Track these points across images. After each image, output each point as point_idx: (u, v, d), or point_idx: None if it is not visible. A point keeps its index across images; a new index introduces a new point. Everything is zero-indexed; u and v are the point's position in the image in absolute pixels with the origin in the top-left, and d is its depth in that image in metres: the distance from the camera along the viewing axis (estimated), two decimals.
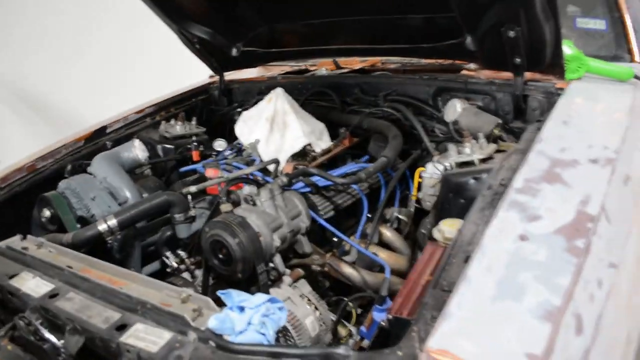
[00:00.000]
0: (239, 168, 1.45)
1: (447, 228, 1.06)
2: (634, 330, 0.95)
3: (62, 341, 0.92)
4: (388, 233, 1.45)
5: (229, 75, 2.18)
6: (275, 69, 2.20)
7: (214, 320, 0.86)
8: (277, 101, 1.57)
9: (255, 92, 2.06)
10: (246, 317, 0.87)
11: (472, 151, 1.27)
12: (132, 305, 0.93)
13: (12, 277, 1.08)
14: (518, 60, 1.40)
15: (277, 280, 1.25)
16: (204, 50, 1.99)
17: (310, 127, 1.59)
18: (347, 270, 1.31)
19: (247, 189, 1.28)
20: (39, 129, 2.37)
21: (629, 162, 1.10)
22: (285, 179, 1.27)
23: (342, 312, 1.25)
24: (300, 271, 1.29)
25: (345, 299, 1.27)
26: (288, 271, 1.29)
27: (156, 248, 1.58)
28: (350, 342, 1.17)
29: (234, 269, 1.15)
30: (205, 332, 0.85)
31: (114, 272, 1.06)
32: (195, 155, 1.81)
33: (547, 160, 1.04)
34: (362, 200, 1.41)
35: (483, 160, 1.24)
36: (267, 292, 1.17)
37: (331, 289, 1.40)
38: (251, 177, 1.37)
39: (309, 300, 1.24)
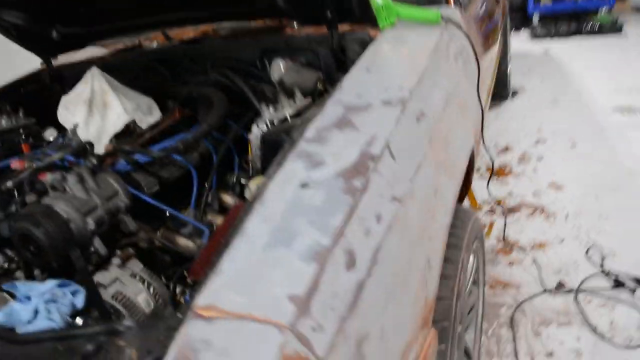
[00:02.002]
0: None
1: (254, 186, 1.05)
2: (435, 256, 1.01)
3: None
4: (227, 198, 1.44)
5: (63, 60, 2.03)
6: (111, 48, 2.08)
7: (3, 313, 0.80)
8: (94, 81, 1.48)
9: None
10: (32, 306, 0.82)
11: (285, 108, 1.27)
12: None
13: None
14: (329, 14, 1.41)
15: (104, 263, 1.19)
16: (22, 37, 1.83)
17: (134, 103, 1.51)
18: (181, 241, 1.28)
19: (49, 177, 1.20)
20: None
21: (425, 100, 1.15)
22: (95, 161, 1.20)
23: (175, 284, 1.22)
24: (130, 251, 1.24)
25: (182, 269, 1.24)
26: (119, 252, 1.24)
27: None
28: None
29: (47, 259, 1.08)
30: None
31: None
32: (25, 148, 1.68)
33: (341, 107, 1.06)
34: (191, 170, 1.37)
35: (296, 116, 1.24)
36: (89, 277, 1.11)
37: (176, 263, 1.37)
38: (66, 163, 1.28)
39: (141, 278, 1.20)
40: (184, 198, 1.42)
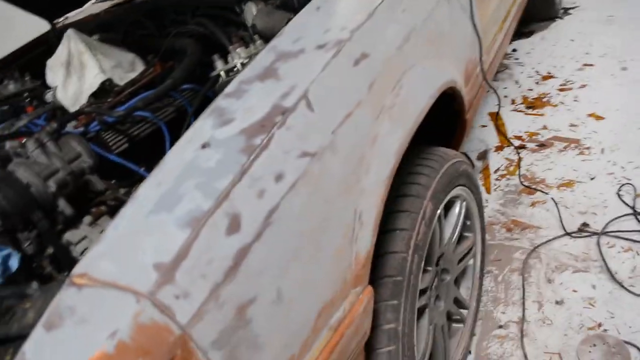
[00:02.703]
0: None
1: None
2: (370, 210, 0.96)
3: None
4: None
5: (69, 19, 2.07)
6: (107, 4, 2.09)
7: None
8: (71, 43, 1.49)
9: (88, 34, 1.96)
10: None
11: (238, 56, 1.22)
12: None
13: None
14: None
15: (72, 223, 1.24)
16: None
17: (115, 61, 1.52)
18: None
19: (9, 144, 1.25)
20: None
21: (371, 39, 1.06)
22: (54, 125, 1.23)
23: None
24: (101, 209, 1.28)
25: None
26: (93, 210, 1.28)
27: None
28: None
29: (12, 222, 1.14)
30: None
31: None
32: (29, 110, 1.76)
33: (273, 54, 1.00)
34: (162, 127, 1.37)
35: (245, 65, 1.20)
36: (53, 237, 1.16)
37: None
38: (32, 128, 1.33)
39: None
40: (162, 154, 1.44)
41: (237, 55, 1.31)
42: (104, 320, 0.63)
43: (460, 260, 1.46)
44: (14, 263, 0.91)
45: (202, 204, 0.73)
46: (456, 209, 1.38)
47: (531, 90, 2.76)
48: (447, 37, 1.35)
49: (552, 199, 1.99)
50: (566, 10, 3.50)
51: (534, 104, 2.63)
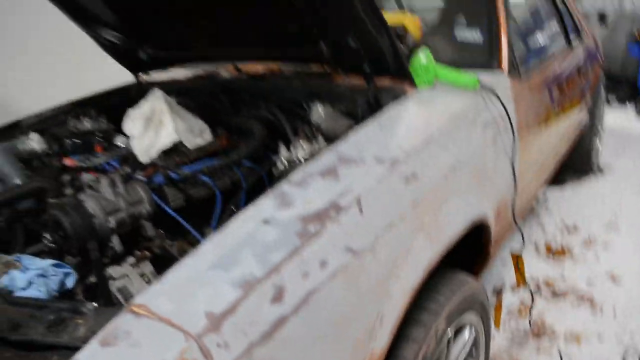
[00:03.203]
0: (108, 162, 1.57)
1: None
2: (390, 313, 1.05)
3: None
4: None
5: (154, 77, 2.31)
6: (190, 73, 2.33)
7: (4, 279, 0.98)
8: (155, 101, 1.70)
9: (167, 94, 2.18)
10: (27, 276, 0.98)
11: (302, 149, 1.38)
12: None
13: None
14: (366, 67, 1.52)
15: (119, 260, 1.35)
16: (117, 53, 2.12)
17: (187, 125, 1.70)
18: None
19: (86, 177, 1.40)
20: None
21: (422, 162, 1.21)
22: (128, 170, 1.39)
23: None
24: (145, 253, 1.40)
25: None
26: (138, 253, 1.40)
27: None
28: None
29: (70, 245, 1.26)
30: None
31: None
32: (98, 149, 1.94)
33: (336, 157, 1.15)
34: (216, 192, 1.52)
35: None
36: (100, 267, 1.27)
37: None
38: (111, 168, 1.49)
39: (148, 278, 1.35)
40: (210, 218, 1.57)
41: (301, 148, 1.46)
42: (155, 349, 0.73)
43: None
44: (70, 282, 1.01)
45: (255, 271, 0.84)
46: (465, 334, 1.45)
47: (556, 238, 2.85)
48: (488, 175, 1.49)
49: (559, 351, 2.02)
50: (600, 169, 3.66)
51: (555, 253, 2.71)
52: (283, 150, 1.41)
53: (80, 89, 2.32)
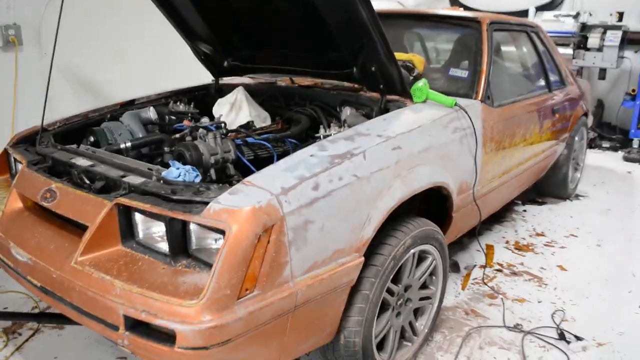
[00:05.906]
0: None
1: None
2: (375, 217, 1.82)
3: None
4: None
5: (224, 81, 3.16)
6: (256, 79, 3.17)
7: (165, 172, 1.79)
8: (238, 94, 2.53)
9: None
10: (177, 172, 1.78)
11: (329, 132, 2.19)
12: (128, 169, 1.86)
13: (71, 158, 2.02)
14: (382, 86, 2.32)
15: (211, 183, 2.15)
16: (206, 61, 2.97)
17: (257, 112, 2.53)
18: None
19: (200, 131, 2.21)
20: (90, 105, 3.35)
21: (405, 141, 1.99)
22: (224, 131, 2.21)
23: None
24: (226, 185, 2.19)
25: None
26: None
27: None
28: None
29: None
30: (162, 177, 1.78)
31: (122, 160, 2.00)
32: (187, 124, 2.78)
33: (354, 132, 1.95)
34: (273, 154, 2.31)
35: None
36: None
37: None
38: (212, 128, 2.31)
39: None
40: None
41: (334, 130, 2.25)
42: (255, 197, 1.51)
43: (421, 299, 2.24)
44: (197, 179, 1.81)
45: (305, 173, 1.63)
46: (428, 262, 2.20)
47: (524, 239, 3.59)
48: (452, 159, 2.26)
49: (503, 304, 2.75)
50: (577, 196, 4.38)
51: (521, 248, 3.44)
52: (322, 130, 2.21)
53: (161, 85, 3.17)
